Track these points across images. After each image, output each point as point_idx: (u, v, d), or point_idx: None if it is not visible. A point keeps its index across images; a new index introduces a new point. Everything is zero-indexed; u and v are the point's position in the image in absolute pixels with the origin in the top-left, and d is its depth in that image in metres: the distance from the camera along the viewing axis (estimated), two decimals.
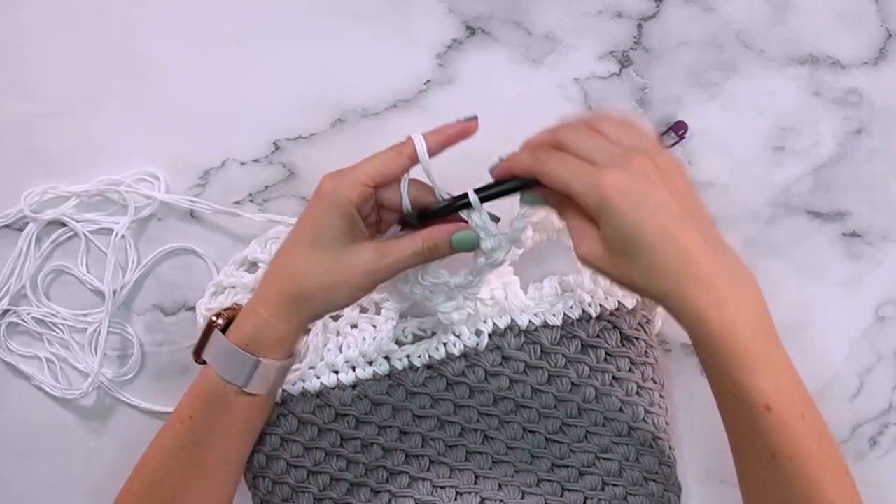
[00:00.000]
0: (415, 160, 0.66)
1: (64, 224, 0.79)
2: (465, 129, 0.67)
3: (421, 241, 0.67)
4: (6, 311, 0.79)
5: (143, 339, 0.79)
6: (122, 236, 0.78)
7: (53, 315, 0.79)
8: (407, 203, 0.67)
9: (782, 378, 0.60)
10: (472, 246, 0.67)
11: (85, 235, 0.78)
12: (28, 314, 0.79)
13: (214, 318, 0.69)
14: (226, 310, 0.71)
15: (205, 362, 0.69)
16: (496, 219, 0.67)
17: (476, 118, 0.67)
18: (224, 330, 0.68)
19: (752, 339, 0.59)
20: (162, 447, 0.69)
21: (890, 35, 0.77)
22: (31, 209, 0.77)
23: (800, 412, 0.60)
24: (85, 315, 0.79)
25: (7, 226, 0.79)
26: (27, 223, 0.78)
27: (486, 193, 0.66)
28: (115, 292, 0.78)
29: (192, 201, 0.77)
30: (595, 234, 0.60)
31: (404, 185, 0.67)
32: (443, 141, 0.67)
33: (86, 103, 0.78)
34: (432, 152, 0.66)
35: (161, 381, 0.80)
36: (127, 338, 0.79)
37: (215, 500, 0.70)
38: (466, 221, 0.67)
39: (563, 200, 0.63)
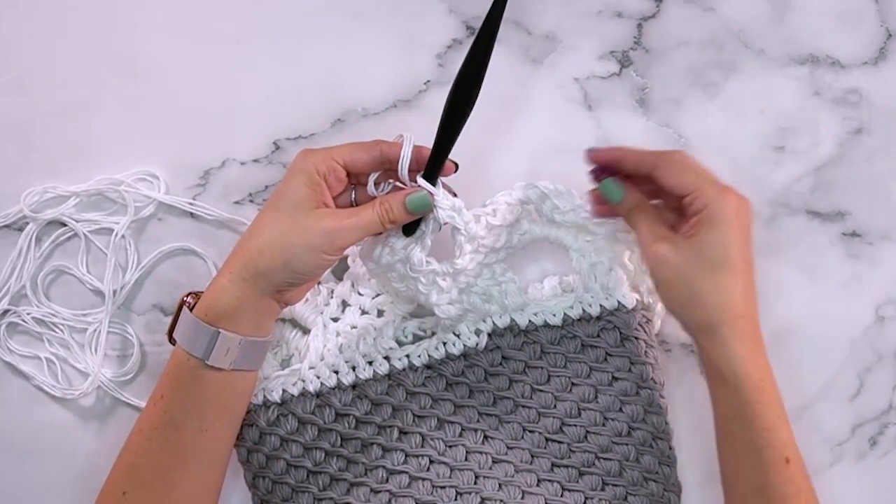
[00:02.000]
0: (388, 160, 0.68)
1: (64, 224, 0.79)
2: (445, 167, 0.69)
3: (378, 204, 0.67)
4: (6, 311, 0.79)
5: (143, 339, 0.79)
6: (122, 236, 0.78)
7: (53, 315, 0.79)
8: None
9: (791, 429, 0.67)
10: (426, 207, 0.68)
11: (85, 235, 0.79)
12: (28, 314, 0.79)
13: (185, 297, 0.70)
14: (200, 291, 0.71)
15: (175, 342, 0.69)
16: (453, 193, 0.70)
17: (457, 166, 0.69)
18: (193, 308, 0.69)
19: (777, 389, 0.67)
20: (138, 431, 0.69)
21: (890, 35, 0.77)
22: (31, 209, 0.78)
23: (803, 464, 0.67)
24: (85, 315, 0.79)
25: (7, 226, 0.79)
26: (27, 223, 0.79)
27: (429, 170, 0.68)
28: (115, 292, 0.78)
29: (190, 203, 0.78)
30: (672, 239, 0.67)
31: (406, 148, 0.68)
32: (417, 160, 0.68)
33: (86, 103, 0.79)
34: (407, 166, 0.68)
35: None
36: (127, 338, 0.79)
37: (196, 485, 0.70)
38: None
39: (639, 204, 0.70)
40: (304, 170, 0.67)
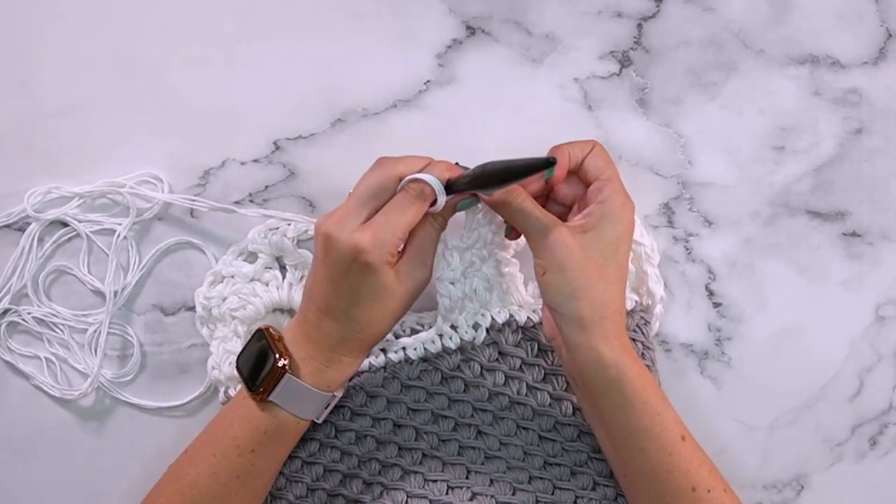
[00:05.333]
0: (432, 201, 0.68)
1: (66, 224, 0.80)
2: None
3: (434, 221, 0.70)
4: (7, 311, 0.81)
5: (142, 339, 0.81)
6: (125, 237, 0.80)
7: (54, 315, 0.81)
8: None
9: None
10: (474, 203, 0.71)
11: (87, 236, 0.80)
12: (29, 314, 0.81)
13: (279, 360, 0.69)
14: (275, 342, 0.70)
15: (269, 401, 0.69)
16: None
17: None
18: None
19: (652, 376, 0.69)
20: (213, 475, 0.70)
21: (890, 35, 0.78)
22: (34, 209, 0.79)
23: (696, 442, 0.69)
24: (85, 315, 0.81)
25: (8, 225, 0.80)
26: (29, 223, 0.80)
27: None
28: (116, 293, 0.80)
29: (192, 200, 0.78)
30: (568, 225, 0.67)
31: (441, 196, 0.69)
32: (448, 171, 0.69)
33: (86, 103, 0.80)
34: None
35: (161, 381, 0.81)
36: (127, 338, 0.81)
37: None
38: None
39: (521, 195, 0.68)
40: (376, 268, 0.67)
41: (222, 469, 0.70)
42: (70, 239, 0.81)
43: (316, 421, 0.72)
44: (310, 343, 0.70)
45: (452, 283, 0.73)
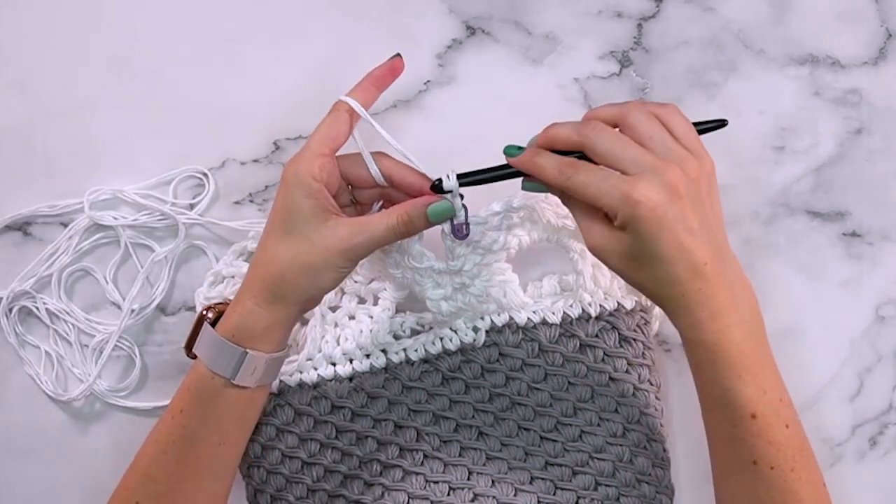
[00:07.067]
0: (357, 116, 0.69)
1: (108, 227, 0.80)
2: (392, 68, 0.71)
3: (395, 216, 0.68)
4: (26, 294, 0.81)
5: (142, 338, 0.81)
6: (164, 258, 0.80)
7: (67, 313, 0.81)
8: (378, 175, 0.70)
9: (770, 388, 0.65)
10: (449, 216, 0.69)
11: (127, 246, 0.80)
12: (44, 303, 0.81)
13: (204, 312, 0.72)
14: (217, 304, 0.73)
15: (195, 356, 0.70)
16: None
17: (400, 56, 0.71)
18: (214, 323, 0.70)
19: (744, 348, 0.64)
20: (155, 442, 0.71)
21: (890, 35, 0.79)
22: (90, 208, 0.79)
23: (784, 422, 0.65)
24: (98, 323, 0.81)
25: (57, 215, 0.81)
26: (74, 218, 0.80)
27: (469, 179, 0.69)
28: (133, 311, 0.80)
29: (216, 223, 0.80)
30: (604, 227, 0.64)
31: (370, 160, 0.70)
32: (374, 87, 0.70)
33: (86, 103, 0.80)
34: (369, 102, 0.70)
35: (161, 381, 0.82)
36: (132, 356, 0.81)
37: (209, 496, 0.72)
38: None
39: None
40: (301, 183, 0.67)
41: (160, 434, 0.71)
42: (108, 243, 0.81)
43: (233, 382, 0.68)
44: (240, 289, 0.70)
45: (444, 300, 0.74)
